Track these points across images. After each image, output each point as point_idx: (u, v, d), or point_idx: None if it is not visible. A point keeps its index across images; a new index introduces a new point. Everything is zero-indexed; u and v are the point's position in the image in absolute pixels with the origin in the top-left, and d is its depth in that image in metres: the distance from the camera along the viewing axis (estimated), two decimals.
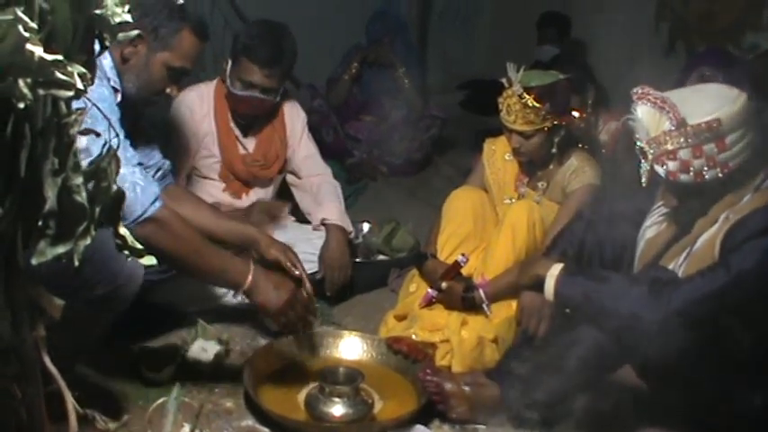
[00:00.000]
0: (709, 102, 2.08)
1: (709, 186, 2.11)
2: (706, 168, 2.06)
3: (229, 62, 3.16)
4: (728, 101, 2.07)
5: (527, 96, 2.80)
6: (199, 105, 3.24)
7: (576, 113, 2.95)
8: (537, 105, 2.80)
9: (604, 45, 4.37)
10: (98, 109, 1.32)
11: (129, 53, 2.29)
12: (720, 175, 2.07)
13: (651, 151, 2.10)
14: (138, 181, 2.17)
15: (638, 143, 2.13)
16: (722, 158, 2.06)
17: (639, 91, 2.11)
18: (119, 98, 2.33)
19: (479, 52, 7.04)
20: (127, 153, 2.17)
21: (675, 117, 2.04)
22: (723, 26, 5.17)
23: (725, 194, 2.14)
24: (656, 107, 2.07)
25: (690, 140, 2.04)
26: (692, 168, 2.07)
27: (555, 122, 2.85)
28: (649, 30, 5.52)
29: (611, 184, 3.07)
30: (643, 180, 2.15)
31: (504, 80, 2.86)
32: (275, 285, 2.40)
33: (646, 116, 2.09)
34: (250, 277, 2.35)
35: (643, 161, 2.13)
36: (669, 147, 2.06)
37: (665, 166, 2.09)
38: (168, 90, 2.42)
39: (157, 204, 2.19)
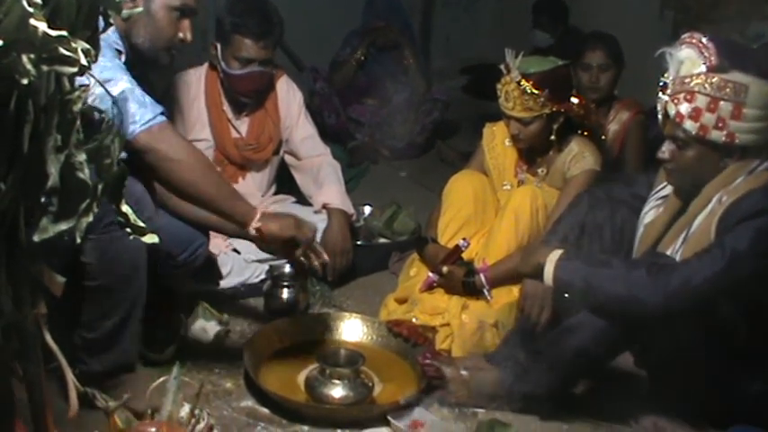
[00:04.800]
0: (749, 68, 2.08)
1: (706, 158, 2.11)
2: (713, 126, 2.07)
3: (218, 45, 3.13)
4: (766, 79, 2.08)
5: (526, 83, 2.79)
6: (186, 92, 3.22)
7: (575, 100, 2.94)
8: (535, 92, 2.79)
9: (608, 32, 4.37)
10: (100, 85, 1.31)
11: (129, 9, 2.24)
12: (723, 140, 2.07)
13: (673, 87, 2.11)
14: (140, 91, 2.17)
15: (664, 78, 2.15)
16: (732, 126, 2.06)
17: (688, 35, 2.13)
18: (123, 59, 2.30)
19: (482, 37, 7.01)
20: (123, 74, 2.18)
21: (710, 62, 2.06)
22: (728, 15, 5.15)
23: (718, 173, 2.14)
24: (698, 50, 2.08)
25: (711, 90, 2.05)
26: (701, 119, 2.07)
27: (554, 109, 2.84)
28: (654, 17, 5.49)
29: (613, 172, 3.07)
30: (659, 112, 2.18)
31: (502, 67, 2.86)
32: (282, 216, 2.39)
33: (685, 56, 2.11)
34: (258, 212, 2.31)
35: (661, 94, 2.14)
36: (691, 86, 2.07)
37: (678, 106, 2.10)
38: (181, 35, 2.36)
39: (165, 117, 2.19)
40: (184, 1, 2.32)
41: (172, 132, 2.24)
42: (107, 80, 2.01)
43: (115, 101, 1.34)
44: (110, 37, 2.25)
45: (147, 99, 2.18)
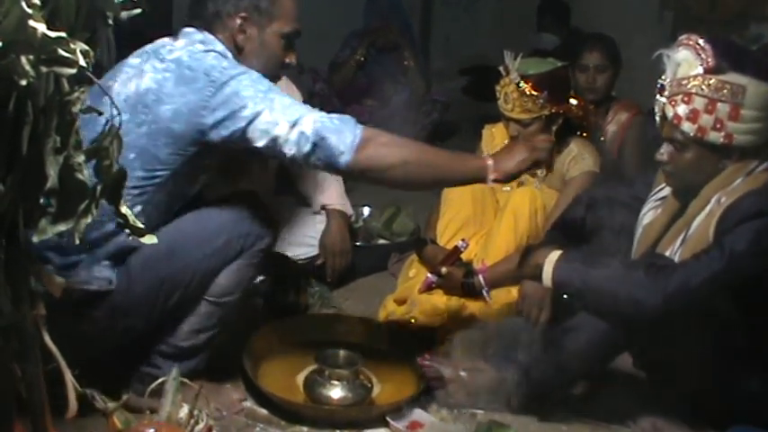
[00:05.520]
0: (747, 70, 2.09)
1: (704, 159, 2.11)
2: (711, 128, 2.07)
3: None
4: (764, 80, 2.08)
5: (524, 84, 2.79)
6: None
7: (574, 101, 2.94)
8: (534, 93, 2.80)
9: (608, 33, 4.37)
10: (101, 87, 1.31)
11: (242, 41, 2.22)
12: (721, 141, 2.07)
13: (670, 89, 2.11)
14: (326, 117, 2.09)
15: (661, 80, 2.15)
16: (730, 127, 2.07)
17: (685, 37, 2.13)
18: None
19: (482, 37, 7.01)
20: (302, 108, 2.11)
21: (708, 63, 2.06)
22: (728, 16, 5.15)
23: (716, 174, 2.14)
24: (695, 51, 2.08)
25: (709, 92, 2.06)
26: (698, 121, 2.08)
27: (553, 110, 2.84)
28: (654, 18, 5.50)
29: (612, 173, 3.07)
30: (657, 114, 2.18)
31: (501, 68, 2.86)
32: (509, 149, 2.26)
33: (682, 58, 2.11)
34: (487, 161, 2.20)
35: (659, 96, 2.15)
36: (688, 88, 2.07)
37: (675, 107, 2.10)
38: (287, 60, 2.34)
39: (359, 125, 2.11)
40: (295, 27, 2.30)
41: (375, 142, 2.09)
42: (295, 122, 2.03)
43: (114, 103, 1.33)
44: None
45: (335, 119, 2.09)
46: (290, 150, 2.04)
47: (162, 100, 2.05)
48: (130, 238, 1.46)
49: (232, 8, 2.19)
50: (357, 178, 2.24)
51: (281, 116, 2.03)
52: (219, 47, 2.17)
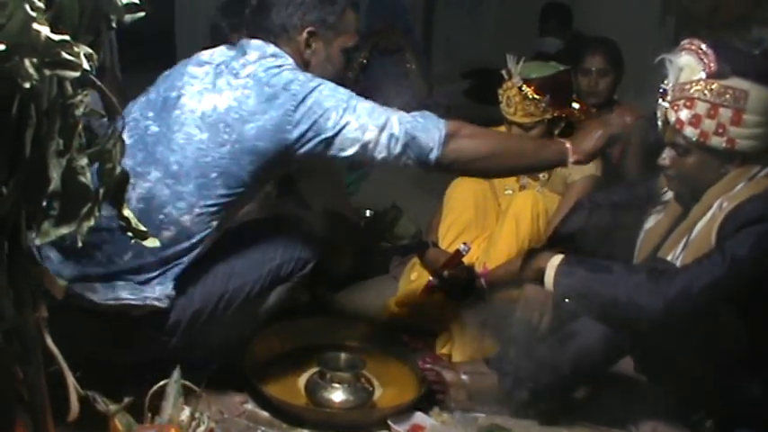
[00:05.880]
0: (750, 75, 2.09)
1: (707, 164, 2.12)
2: (713, 133, 2.07)
3: None
4: (766, 84, 2.08)
5: (527, 88, 2.80)
6: None
7: (576, 105, 2.94)
8: (537, 97, 2.80)
9: (610, 37, 4.37)
10: (103, 89, 1.31)
11: (309, 55, 2.22)
12: (723, 146, 2.07)
13: (672, 94, 2.11)
14: (409, 116, 2.12)
15: (663, 85, 2.15)
16: (732, 132, 2.07)
17: (687, 41, 2.14)
18: None
19: (484, 41, 7.01)
20: (385, 110, 2.13)
21: (710, 68, 2.06)
22: (729, 20, 5.15)
23: (719, 179, 2.14)
24: (697, 56, 2.08)
25: (711, 97, 2.06)
26: (701, 126, 2.08)
27: (555, 114, 2.84)
28: (656, 23, 5.50)
29: (614, 177, 3.07)
30: (659, 118, 2.19)
31: (503, 72, 2.86)
32: (585, 132, 2.28)
33: (684, 62, 2.12)
34: (566, 143, 2.23)
35: (661, 100, 2.15)
36: (690, 93, 2.07)
37: (678, 112, 2.10)
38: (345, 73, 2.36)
39: (441, 120, 2.14)
40: (355, 41, 2.32)
41: (460, 134, 2.13)
42: (383, 125, 2.05)
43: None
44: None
45: (418, 117, 2.12)
46: (380, 154, 2.06)
47: (245, 119, 2.04)
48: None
49: (299, 22, 2.18)
50: (444, 171, 2.27)
51: (367, 121, 2.05)
52: (290, 60, 2.16)
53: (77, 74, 1.13)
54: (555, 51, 4.90)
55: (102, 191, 1.25)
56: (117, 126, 1.29)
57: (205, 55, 2.21)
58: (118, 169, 1.30)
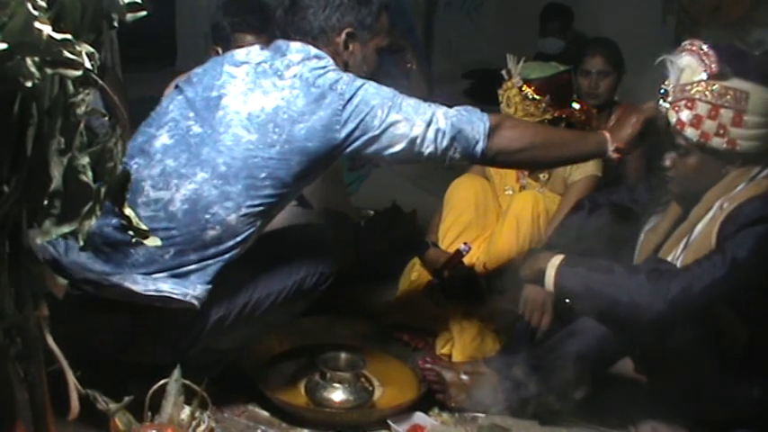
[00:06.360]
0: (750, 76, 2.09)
1: (707, 165, 2.12)
2: (714, 134, 2.07)
3: (219, 50, 3.12)
4: (767, 85, 2.09)
5: (527, 88, 2.80)
6: None
7: (577, 105, 2.94)
8: (537, 97, 2.80)
9: (611, 38, 4.38)
10: (104, 89, 1.31)
11: (348, 56, 2.23)
12: (724, 147, 2.08)
13: (673, 95, 2.11)
14: (454, 110, 2.15)
15: (664, 86, 2.15)
16: (733, 133, 2.07)
17: (688, 42, 2.14)
18: None
19: (485, 41, 7.01)
20: (429, 105, 2.15)
21: (711, 69, 2.07)
22: (730, 21, 5.15)
23: (719, 180, 2.14)
24: (698, 57, 2.09)
25: (712, 98, 2.06)
26: (701, 126, 2.08)
27: (555, 115, 2.84)
28: (656, 23, 5.49)
29: (614, 177, 3.07)
30: (663, 110, 2.18)
31: (503, 72, 2.86)
32: (621, 123, 2.29)
33: (685, 63, 2.12)
34: (605, 133, 2.26)
35: (662, 101, 2.15)
36: (691, 94, 2.08)
37: (678, 113, 2.10)
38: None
39: (484, 113, 2.17)
40: (389, 41, 2.33)
41: (503, 127, 2.17)
42: (429, 120, 2.08)
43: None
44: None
45: (462, 111, 2.15)
46: (427, 149, 2.09)
47: (294, 119, 2.05)
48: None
49: (337, 23, 2.19)
50: (489, 163, 2.33)
51: (414, 117, 2.08)
52: (332, 61, 2.16)
53: (79, 73, 1.13)
54: (556, 52, 4.90)
55: (103, 190, 1.25)
56: (119, 125, 1.29)
57: (240, 54, 2.21)
58: (119, 168, 1.29)
